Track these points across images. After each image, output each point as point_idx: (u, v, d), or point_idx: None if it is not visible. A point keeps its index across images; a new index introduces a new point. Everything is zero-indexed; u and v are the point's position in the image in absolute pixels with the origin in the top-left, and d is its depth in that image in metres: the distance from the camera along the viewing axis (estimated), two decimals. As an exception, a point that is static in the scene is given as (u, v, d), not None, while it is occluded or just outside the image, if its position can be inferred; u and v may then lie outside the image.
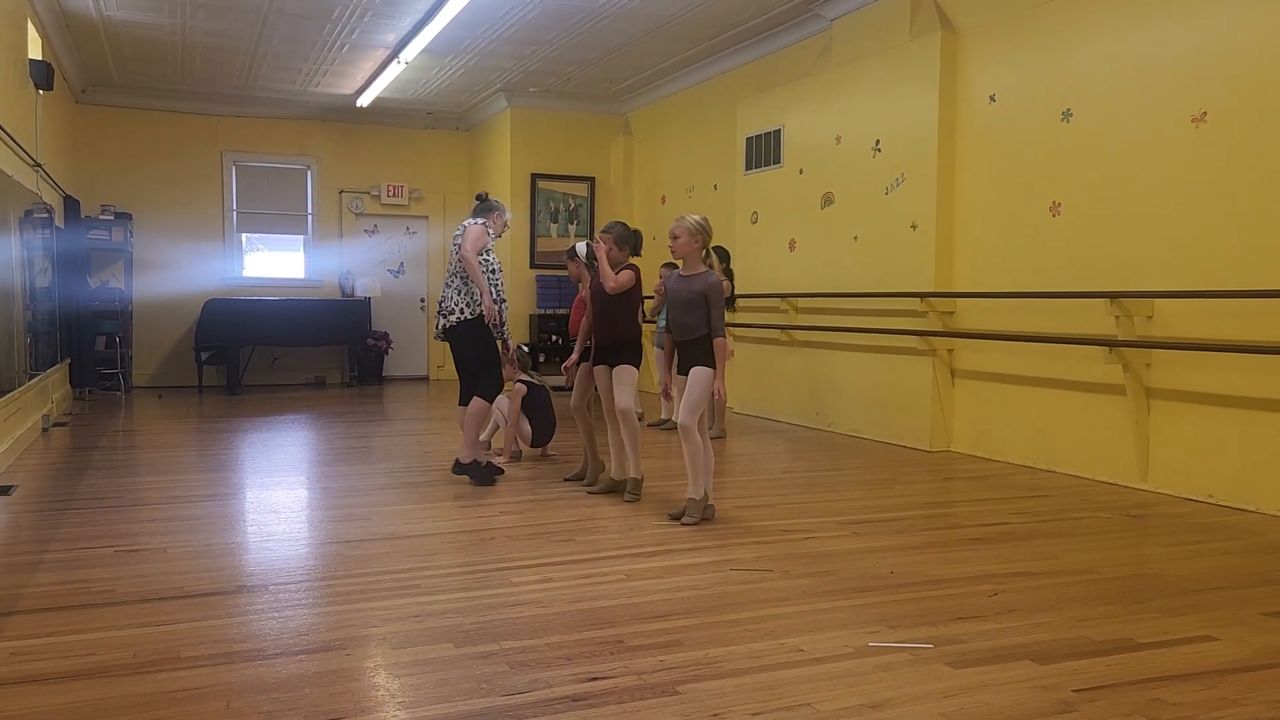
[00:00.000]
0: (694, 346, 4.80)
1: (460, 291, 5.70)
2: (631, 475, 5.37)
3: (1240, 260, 5.19)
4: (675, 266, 7.75)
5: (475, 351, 5.78)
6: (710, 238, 4.88)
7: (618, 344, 5.31)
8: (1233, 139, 5.25)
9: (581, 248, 5.90)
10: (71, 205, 10.07)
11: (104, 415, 9.25)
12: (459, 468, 5.79)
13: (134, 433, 8.17)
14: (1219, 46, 5.31)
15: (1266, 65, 5.07)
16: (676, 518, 4.87)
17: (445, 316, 5.75)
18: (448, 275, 5.83)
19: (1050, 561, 4.16)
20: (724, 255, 7.94)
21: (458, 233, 5.83)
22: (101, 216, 11.19)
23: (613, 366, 5.34)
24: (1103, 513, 5.15)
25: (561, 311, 11.73)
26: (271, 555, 4.22)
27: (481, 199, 6.03)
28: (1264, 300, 5.02)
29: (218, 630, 3.22)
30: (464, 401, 5.84)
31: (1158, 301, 5.61)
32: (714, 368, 4.74)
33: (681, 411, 4.75)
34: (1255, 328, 5.10)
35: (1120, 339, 5.67)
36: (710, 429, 6.71)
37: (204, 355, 11.57)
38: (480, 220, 5.83)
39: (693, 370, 4.77)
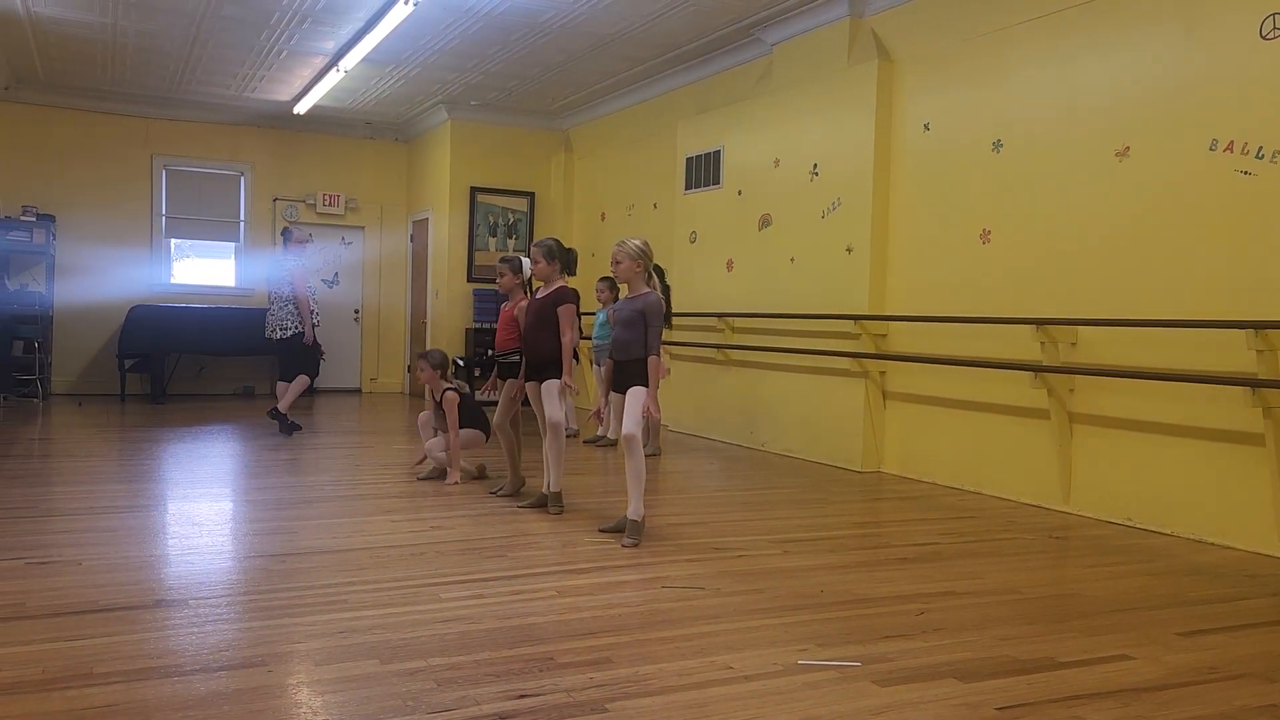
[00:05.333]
0: (632, 367, 4.84)
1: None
2: (551, 489, 5.40)
3: (1159, 290, 5.37)
4: (610, 280, 7.83)
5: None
6: (651, 260, 4.95)
7: (545, 360, 5.36)
8: (1153, 173, 5.43)
9: (526, 263, 5.89)
10: (-11, 205, 9.76)
11: (19, 423, 8.93)
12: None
13: (51, 441, 7.90)
14: (1140, 84, 5.50)
15: (1184, 103, 5.26)
16: (609, 531, 4.89)
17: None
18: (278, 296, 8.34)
19: (975, 581, 4.23)
20: (660, 273, 7.96)
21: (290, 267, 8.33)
22: (22, 218, 10.84)
23: (541, 382, 5.37)
24: (1026, 534, 5.26)
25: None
26: (192, 569, 4.10)
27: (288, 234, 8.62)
28: (1180, 330, 5.19)
29: (133, 646, 3.11)
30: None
31: (1081, 329, 5.77)
32: (648, 386, 4.78)
33: (626, 421, 4.75)
34: (1172, 356, 5.27)
35: (1045, 364, 5.82)
36: (645, 446, 6.69)
37: (127, 363, 11.23)
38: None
39: (631, 390, 4.80)
